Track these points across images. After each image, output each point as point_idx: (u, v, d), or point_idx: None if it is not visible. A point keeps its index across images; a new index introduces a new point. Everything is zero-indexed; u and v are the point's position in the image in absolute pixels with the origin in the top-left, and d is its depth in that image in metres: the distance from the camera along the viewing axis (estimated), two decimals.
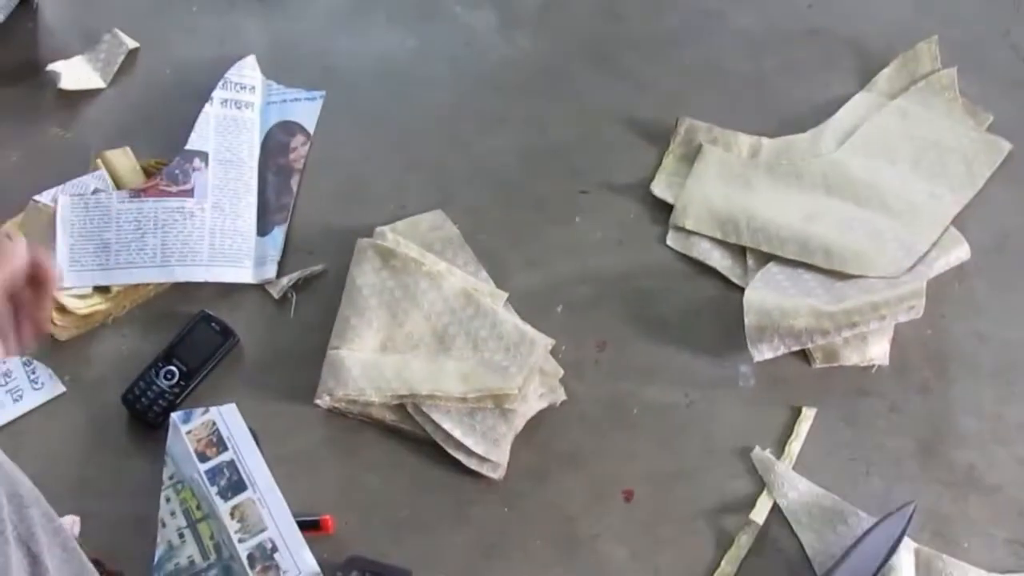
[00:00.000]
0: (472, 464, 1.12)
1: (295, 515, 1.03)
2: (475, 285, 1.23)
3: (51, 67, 1.42)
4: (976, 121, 1.34)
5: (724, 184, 1.30)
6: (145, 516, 1.10)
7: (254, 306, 1.26)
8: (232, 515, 1.03)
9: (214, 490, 1.04)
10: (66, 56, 1.45)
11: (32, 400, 1.19)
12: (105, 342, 1.24)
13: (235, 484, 1.04)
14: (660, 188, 1.31)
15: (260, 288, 1.27)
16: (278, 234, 1.30)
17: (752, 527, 1.08)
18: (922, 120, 1.35)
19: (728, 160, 1.32)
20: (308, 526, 1.06)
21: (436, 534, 1.10)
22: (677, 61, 1.44)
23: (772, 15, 1.48)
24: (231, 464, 1.06)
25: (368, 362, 1.16)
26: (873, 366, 1.17)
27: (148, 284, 1.25)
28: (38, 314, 0.90)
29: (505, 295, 1.23)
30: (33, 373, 1.21)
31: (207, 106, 1.35)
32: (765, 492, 1.10)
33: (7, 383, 1.20)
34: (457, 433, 1.12)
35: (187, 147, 1.31)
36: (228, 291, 1.26)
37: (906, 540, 1.04)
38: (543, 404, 1.16)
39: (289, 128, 1.39)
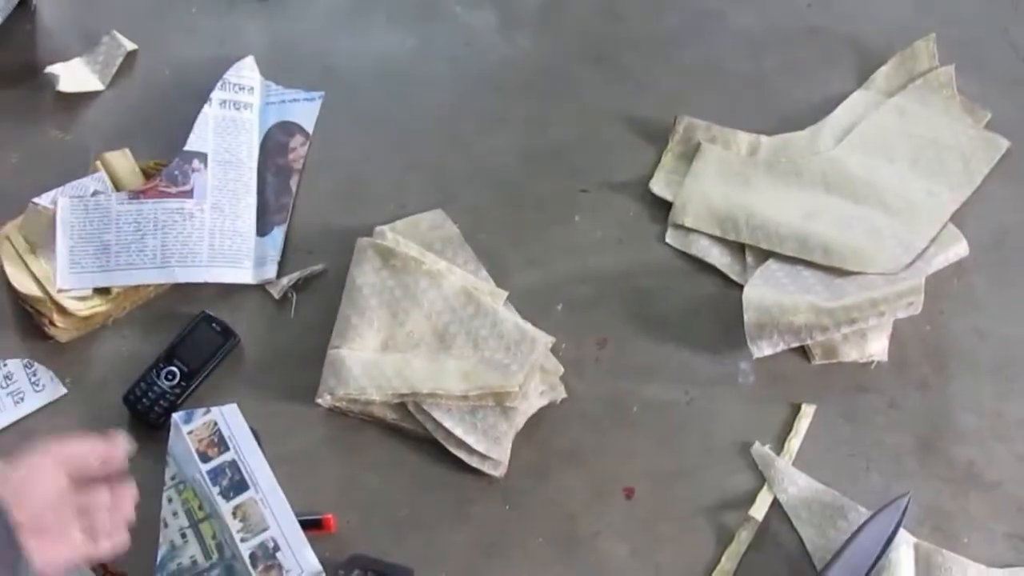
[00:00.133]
0: (473, 462, 1.12)
1: (297, 514, 1.03)
2: (475, 284, 1.23)
3: (49, 69, 1.42)
4: (974, 119, 1.35)
5: (723, 182, 1.30)
6: (147, 517, 1.10)
7: (254, 306, 1.26)
8: (234, 515, 1.03)
9: (216, 490, 1.04)
10: (65, 58, 1.45)
11: (34, 402, 1.19)
12: (106, 344, 1.24)
13: (237, 484, 1.05)
14: (659, 186, 1.31)
15: (260, 288, 1.27)
16: (278, 234, 1.30)
17: (752, 523, 1.08)
18: (920, 118, 1.35)
19: (727, 158, 1.33)
20: (310, 525, 1.06)
21: (437, 532, 1.10)
22: (677, 61, 1.44)
23: (772, 14, 1.48)
24: (233, 464, 1.06)
25: (369, 361, 1.16)
26: (872, 362, 1.17)
27: (148, 285, 1.25)
28: (119, 510, 0.91)
29: (505, 294, 1.23)
30: (34, 375, 1.21)
31: (206, 107, 1.35)
32: (765, 488, 1.10)
33: (8, 385, 1.20)
34: (458, 431, 1.12)
35: (186, 148, 1.31)
36: (228, 292, 1.27)
37: (906, 535, 1.04)
38: (544, 402, 1.16)
39: (288, 128, 1.39)
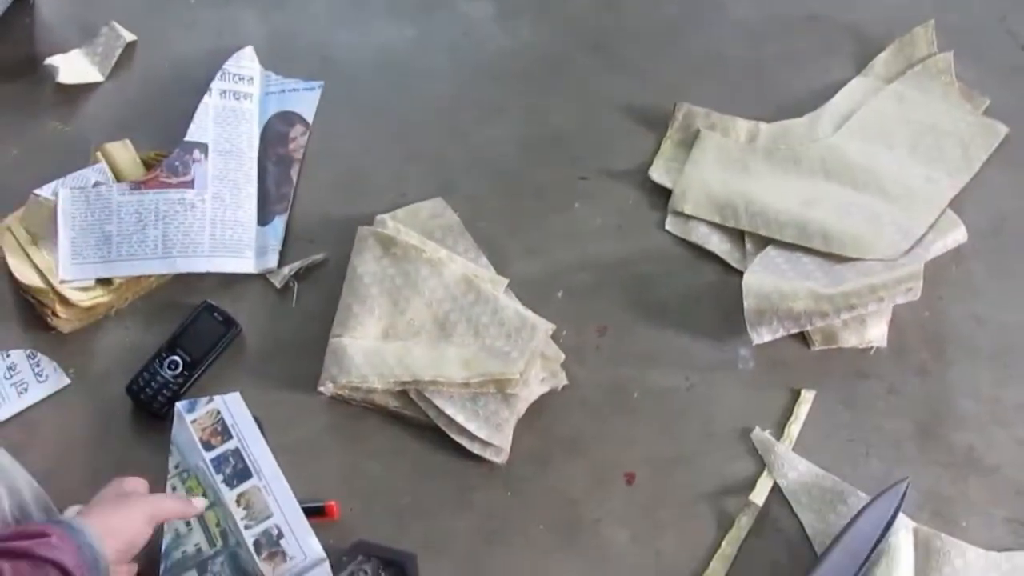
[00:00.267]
0: (475, 449, 1.12)
1: (300, 502, 1.04)
2: (476, 272, 1.23)
3: (49, 61, 1.43)
4: (972, 105, 1.35)
5: (722, 169, 1.31)
6: None
7: (256, 296, 1.27)
8: (238, 502, 1.03)
9: (220, 478, 1.05)
10: (64, 50, 1.45)
11: (37, 393, 1.20)
12: (108, 334, 1.25)
13: (240, 472, 1.05)
14: (658, 173, 1.32)
15: (262, 278, 1.27)
16: (279, 224, 1.30)
17: (752, 508, 1.09)
18: (918, 104, 1.35)
19: (726, 145, 1.33)
20: (313, 512, 1.06)
21: (439, 519, 1.11)
22: (676, 49, 1.44)
23: (770, 3, 1.48)
24: (236, 452, 1.06)
25: (370, 349, 1.17)
26: (872, 348, 1.18)
27: (150, 276, 1.26)
28: None
29: (506, 281, 1.23)
30: (38, 366, 1.21)
31: (206, 97, 1.35)
32: (765, 473, 1.11)
33: (12, 376, 1.21)
34: (460, 418, 1.12)
35: (186, 138, 1.31)
36: (230, 281, 1.27)
37: (905, 520, 1.05)
38: (544, 389, 1.17)
39: (288, 118, 1.39)
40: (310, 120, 1.39)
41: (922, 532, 1.05)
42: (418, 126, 1.39)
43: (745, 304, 1.15)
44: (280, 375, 1.20)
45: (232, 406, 1.09)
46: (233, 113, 1.36)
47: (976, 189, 1.28)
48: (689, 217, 1.28)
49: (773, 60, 1.42)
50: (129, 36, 1.46)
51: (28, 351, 1.22)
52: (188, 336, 1.21)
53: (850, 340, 1.17)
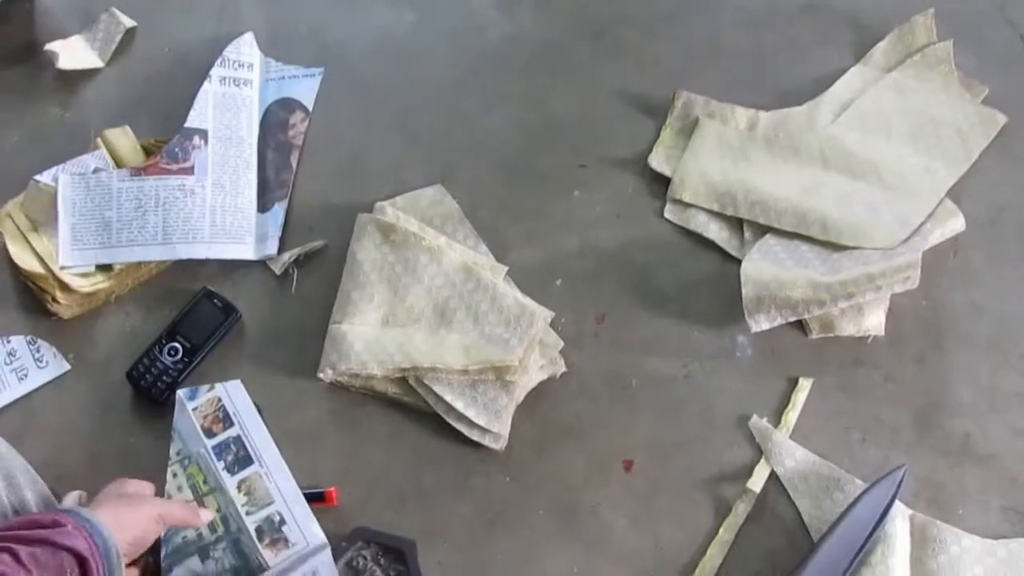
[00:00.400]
0: (474, 435, 1.13)
1: (300, 488, 1.04)
2: (475, 259, 1.23)
3: (49, 47, 1.42)
4: (971, 94, 1.35)
5: (721, 157, 1.31)
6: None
7: (256, 282, 1.27)
8: (239, 489, 1.04)
9: (220, 465, 1.05)
10: (64, 36, 1.45)
11: (37, 379, 1.21)
12: (108, 320, 1.25)
13: (241, 459, 1.06)
14: (658, 161, 1.32)
15: (261, 264, 1.28)
16: (278, 211, 1.30)
17: (749, 495, 1.09)
18: (917, 93, 1.35)
19: (725, 133, 1.33)
20: (312, 498, 1.07)
21: (439, 505, 1.12)
22: (676, 37, 1.44)
23: None
24: (237, 440, 1.07)
25: (370, 336, 1.17)
26: (869, 337, 1.18)
27: (150, 262, 1.26)
28: None
29: (505, 268, 1.23)
30: (38, 352, 1.22)
31: (206, 84, 1.35)
32: (762, 461, 1.11)
33: (12, 362, 1.21)
34: (459, 405, 1.13)
35: (186, 125, 1.31)
36: (230, 268, 1.27)
37: (901, 507, 1.05)
38: (543, 376, 1.17)
39: (288, 105, 1.39)
40: (310, 107, 1.39)
41: (918, 519, 1.06)
42: (418, 113, 1.39)
43: (743, 292, 1.16)
44: (280, 361, 1.21)
45: (233, 393, 1.10)
46: (233, 100, 1.36)
47: (974, 178, 1.28)
48: (688, 205, 1.28)
49: (773, 48, 1.42)
50: (129, 22, 1.46)
51: (28, 337, 1.22)
52: (188, 322, 1.21)
53: (848, 328, 1.18)
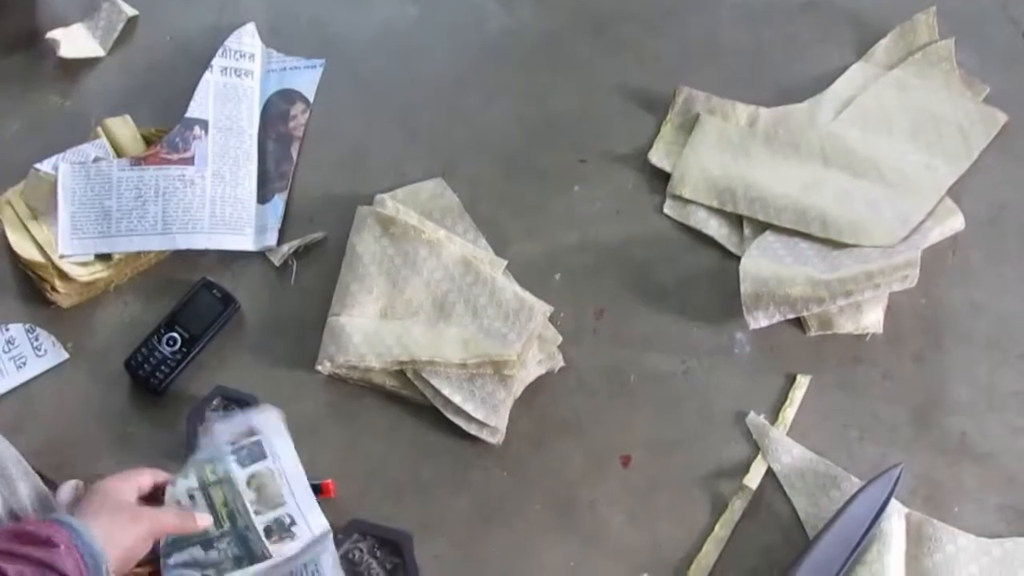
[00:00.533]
0: (471, 429, 1.13)
1: None
2: (475, 253, 1.23)
3: (50, 35, 1.42)
4: (973, 93, 1.35)
5: (721, 153, 1.31)
6: None
7: (255, 273, 1.27)
8: (249, 484, 1.01)
9: (232, 458, 1.02)
10: (65, 24, 1.45)
11: (35, 367, 1.20)
12: (107, 309, 1.25)
13: (254, 452, 1.02)
14: (658, 157, 1.32)
15: (261, 256, 1.28)
16: (278, 202, 1.30)
17: (746, 492, 1.10)
18: (919, 91, 1.35)
19: (726, 129, 1.33)
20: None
21: (436, 498, 1.12)
22: (676, 32, 1.44)
23: None
24: (257, 442, 1.03)
25: (368, 328, 1.17)
26: (867, 334, 1.18)
27: (149, 252, 1.26)
28: None
29: (504, 263, 1.23)
30: (36, 340, 1.22)
31: (207, 74, 1.35)
32: (759, 457, 1.11)
33: (11, 350, 1.21)
34: (457, 399, 1.13)
35: (187, 115, 1.31)
36: (229, 259, 1.27)
37: (897, 505, 1.06)
38: (541, 370, 1.17)
39: (289, 96, 1.39)
40: (311, 98, 1.39)
41: (914, 518, 1.06)
42: (419, 106, 1.39)
43: (742, 289, 1.16)
44: (278, 353, 1.21)
45: (266, 426, 1.05)
46: (234, 90, 1.36)
47: (975, 177, 1.28)
48: (688, 201, 1.28)
49: (772, 45, 1.42)
50: (130, 11, 1.46)
51: (27, 325, 1.22)
52: (187, 313, 1.21)
53: (846, 326, 1.18)
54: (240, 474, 1.01)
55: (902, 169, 1.28)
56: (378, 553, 1.06)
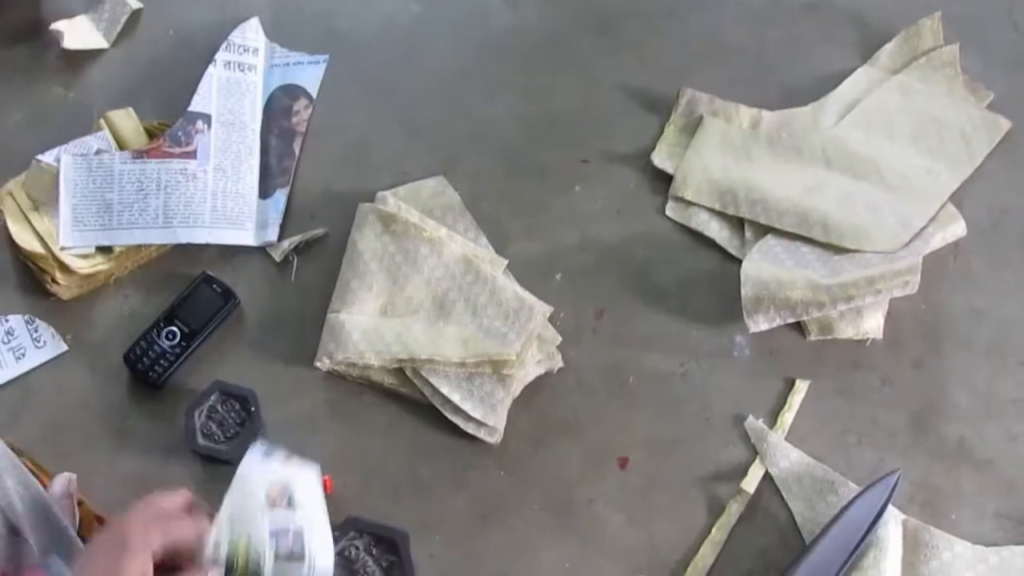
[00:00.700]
0: (470, 428, 1.13)
1: None
2: (475, 251, 1.23)
3: (54, 26, 1.42)
4: (976, 98, 1.35)
5: (724, 155, 1.31)
6: (146, 475, 1.12)
7: (255, 269, 1.27)
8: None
9: (270, 542, 0.92)
10: (69, 16, 1.45)
11: (34, 358, 1.20)
12: (107, 302, 1.25)
13: (295, 554, 0.93)
14: (660, 158, 1.32)
15: (261, 251, 1.28)
16: (280, 197, 1.30)
17: (743, 495, 1.09)
18: (923, 96, 1.35)
19: (729, 132, 1.33)
20: None
21: (434, 497, 1.12)
22: (679, 33, 1.44)
23: None
24: (299, 537, 0.94)
25: (368, 326, 1.17)
26: (867, 340, 1.18)
27: (150, 245, 1.26)
28: None
29: (505, 262, 1.23)
30: (36, 332, 1.22)
31: (210, 68, 1.35)
32: (757, 461, 1.11)
33: (10, 341, 1.21)
34: (455, 397, 1.13)
35: (190, 109, 1.31)
36: (229, 253, 1.27)
37: (894, 511, 1.06)
38: (541, 370, 1.17)
39: (292, 91, 1.39)
40: (314, 94, 1.39)
41: (911, 524, 1.06)
42: (422, 103, 1.39)
43: (743, 292, 1.16)
44: (277, 349, 1.21)
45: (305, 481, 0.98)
46: (237, 85, 1.35)
47: (977, 182, 1.28)
48: (689, 203, 1.28)
49: (775, 46, 1.42)
50: (135, 3, 1.46)
51: (27, 317, 1.22)
52: (187, 307, 1.21)
53: (846, 331, 1.18)
54: (270, 563, 0.92)
55: (904, 172, 1.27)
56: (374, 551, 1.06)
